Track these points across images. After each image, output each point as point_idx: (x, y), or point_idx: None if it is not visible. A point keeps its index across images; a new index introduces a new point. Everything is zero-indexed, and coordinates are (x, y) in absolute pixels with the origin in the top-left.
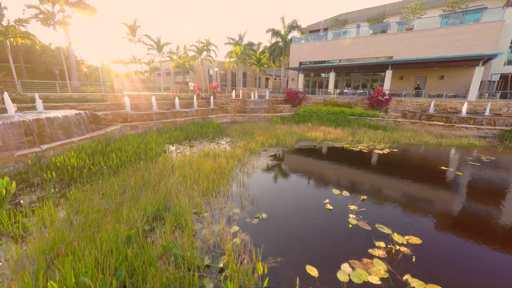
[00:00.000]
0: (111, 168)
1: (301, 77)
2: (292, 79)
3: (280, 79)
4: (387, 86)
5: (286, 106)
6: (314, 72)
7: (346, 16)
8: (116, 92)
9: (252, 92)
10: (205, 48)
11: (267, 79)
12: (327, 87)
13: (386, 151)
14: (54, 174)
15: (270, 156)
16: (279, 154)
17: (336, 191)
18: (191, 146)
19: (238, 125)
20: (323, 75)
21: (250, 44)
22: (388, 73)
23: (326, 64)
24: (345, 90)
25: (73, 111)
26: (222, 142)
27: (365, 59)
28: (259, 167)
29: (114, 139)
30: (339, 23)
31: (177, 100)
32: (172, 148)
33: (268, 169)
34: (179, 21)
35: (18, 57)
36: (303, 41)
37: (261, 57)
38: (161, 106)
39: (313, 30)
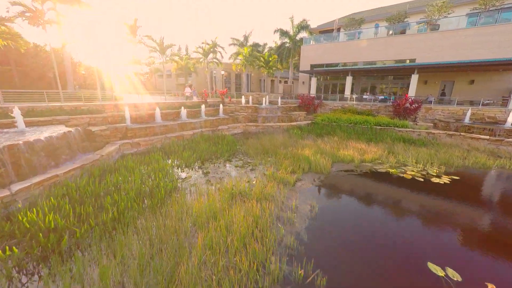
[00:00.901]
0: (105, 225)
1: (313, 81)
2: (303, 82)
3: (287, 81)
4: (412, 91)
5: (300, 113)
6: (328, 76)
7: (361, 15)
8: (116, 100)
9: (264, 98)
10: (211, 50)
11: (272, 81)
12: (341, 91)
13: (446, 179)
14: (16, 250)
15: (308, 190)
16: (318, 187)
17: (434, 268)
18: (206, 173)
19: (254, 140)
20: (336, 78)
21: (256, 45)
22: (414, 78)
23: (343, 67)
24: (364, 96)
25: (62, 129)
26: (240, 164)
27: (385, 61)
28: (303, 214)
29: (111, 166)
30: (355, 22)
31: (183, 111)
32: (183, 174)
33: (316, 216)
34: (177, 20)
35: (9, 60)
36: (312, 42)
37: (270, 59)
38: (166, 116)
39: (324, 31)
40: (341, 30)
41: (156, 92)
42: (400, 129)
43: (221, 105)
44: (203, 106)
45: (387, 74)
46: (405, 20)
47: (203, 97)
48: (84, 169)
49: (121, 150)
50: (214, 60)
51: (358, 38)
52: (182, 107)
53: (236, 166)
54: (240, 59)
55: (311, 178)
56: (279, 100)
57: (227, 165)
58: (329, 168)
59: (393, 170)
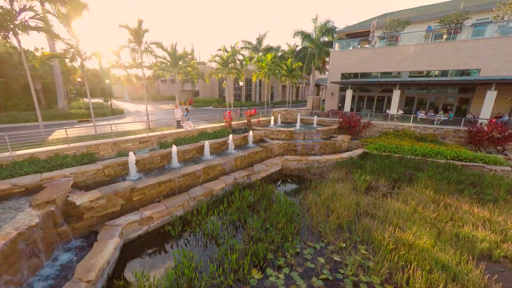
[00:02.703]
0: None
1: (349, 93)
2: (332, 93)
3: (299, 86)
4: (486, 112)
5: (344, 137)
6: (361, 87)
7: (399, 15)
8: (113, 113)
9: (298, 116)
10: (230, 58)
11: (283, 86)
12: (379, 106)
13: None
14: None
15: None
16: None
17: None
18: None
19: (310, 194)
20: (372, 89)
21: (269, 49)
22: (490, 96)
23: (388, 79)
24: (420, 115)
25: (21, 220)
26: (321, 263)
27: (438, 71)
28: None
29: None
30: (398, 24)
31: (206, 145)
32: None
33: None
34: (176, 21)
35: None
36: (337, 47)
37: (294, 67)
38: (184, 154)
39: (353, 34)
40: (373, 32)
41: (160, 99)
42: (491, 167)
43: (250, 132)
44: (230, 137)
45: (445, 88)
46: (464, 21)
47: (227, 121)
48: None
49: (123, 236)
50: (235, 70)
51: (398, 43)
52: (206, 143)
53: (319, 280)
54: (259, 67)
55: None
56: (315, 119)
57: (298, 271)
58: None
59: None
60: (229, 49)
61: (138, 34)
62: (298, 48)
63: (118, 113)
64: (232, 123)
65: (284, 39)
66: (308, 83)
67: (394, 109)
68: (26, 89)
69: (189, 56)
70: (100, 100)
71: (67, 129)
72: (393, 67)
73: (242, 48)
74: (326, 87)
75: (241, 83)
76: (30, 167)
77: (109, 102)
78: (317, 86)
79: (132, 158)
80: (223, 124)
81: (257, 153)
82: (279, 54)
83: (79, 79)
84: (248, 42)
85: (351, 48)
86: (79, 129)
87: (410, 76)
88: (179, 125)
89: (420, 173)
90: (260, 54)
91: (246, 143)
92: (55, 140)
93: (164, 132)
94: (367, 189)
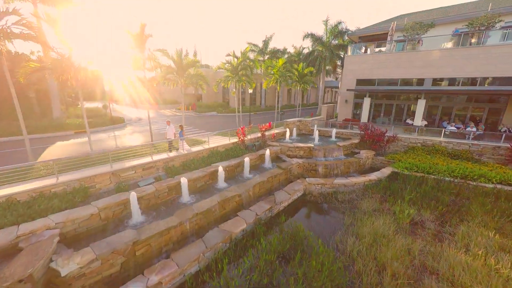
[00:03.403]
0: None
1: (367, 102)
2: (346, 100)
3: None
4: None
5: (368, 153)
6: (383, 95)
7: (417, 17)
8: (114, 122)
9: (315, 128)
10: (240, 64)
11: (289, 90)
12: (398, 115)
13: None
14: None
15: None
16: None
17: None
18: None
19: (357, 241)
20: (391, 97)
21: (275, 52)
22: None
23: (413, 87)
24: (450, 128)
25: None
26: None
27: (463, 77)
28: None
29: None
30: (421, 27)
31: (221, 173)
32: None
33: None
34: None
35: None
36: (351, 51)
37: (305, 72)
38: (194, 183)
39: (366, 37)
40: (391, 36)
41: (162, 102)
42: None
43: (267, 151)
44: (247, 161)
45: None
46: (496, 23)
47: (240, 138)
48: None
49: None
50: (245, 77)
51: (419, 47)
52: (220, 167)
53: None
54: (268, 73)
55: None
56: (333, 133)
57: None
58: None
59: None
60: (233, 52)
61: (140, 39)
62: (304, 50)
63: (118, 122)
64: (246, 139)
65: (283, 39)
66: (313, 86)
67: (418, 119)
68: (21, 96)
69: (197, 64)
70: (100, 105)
71: (62, 142)
72: (415, 73)
73: (248, 50)
74: (338, 93)
75: (250, 91)
76: (4, 216)
77: (108, 109)
78: (332, 88)
79: (134, 199)
80: (235, 140)
81: (276, 177)
82: (285, 56)
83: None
84: (254, 45)
85: (366, 52)
86: (74, 144)
87: (433, 84)
88: (171, 145)
89: (468, 201)
90: (266, 57)
91: (262, 162)
92: (43, 167)
93: (171, 155)
94: (412, 225)
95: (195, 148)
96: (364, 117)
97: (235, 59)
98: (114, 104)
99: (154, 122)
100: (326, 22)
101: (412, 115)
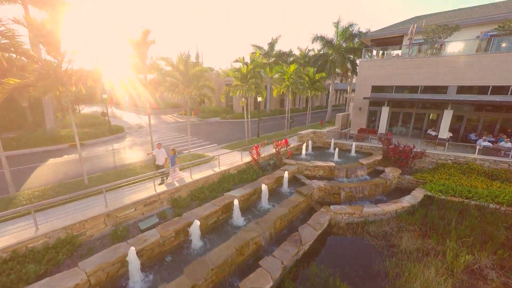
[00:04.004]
0: None
1: (385, 111)
2: (360, 108)
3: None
4: None
5: (394, 172)
6: (400, 103)
7: (434, 18)
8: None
9: (332, 142)
10: (250, 73)
11: (294, 92)
12: (418, 124)
13: None
14: None
15: None
16: None
17: None
18: None
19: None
20: (410, 105)
21: (281, 54)
22: None
23: (437, 97)
24: (483, 143)
25: None
26: None
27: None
28: None
29: None
30: (444, 30)
31: (236, 209)
32: None
33: None
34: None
35: None
36: (364, 54)
37: (317, 78)
38: (206, 221)
39: (380, 40)
40: (410, 39)
41: (163, 106)
42: None
43: (286, 174)
44: (264, 189)
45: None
46: None
47: (253, 158)
48: None
49: None
50: (254, 86)
51: (442, 51)
52: (236, 201)
53: None
54: (276, 81)
55: None
56: (353, 147)
57: None
58: None
59: None
60: (243, 58)
61: (142, 47)
62: (310, 52)
63: (117, 131)
64: (260, 158)
65: (284, 40)
66: (339, 88)
67: (443, 132)
68: (10, 107)
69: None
70: (99, 109)
71: (54, 159)
72: (438, 80)
73: (252, 53)
74: (348, 97)
75: (259, 99)
76: None
77: (107, 116)
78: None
79: (133, 256)
80: (248, 158)
81: (298, 206)
82: (291, 59)
83: (74, 88)
84: (259, 47)
85: (378, 55)
86: (67, 163)
87: (458, 92)
88: (159, 167)
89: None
90: (272, 60)
91: (278, 185)
92: (25, 201)
93: (177, 185)
94: (468, 273)
95: (201, 174)
96: (382, 128)
97: (245, 66)
98: (114, 108)
99: (155, 131)
100: (337, 24)
101: (432, 124)
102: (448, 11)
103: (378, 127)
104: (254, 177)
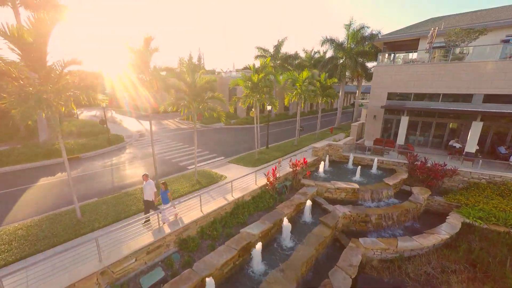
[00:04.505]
0: None
1: (404, 121)
2: (374, 116)
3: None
4: None
5: (423, 193)
6: (417, 111)
7: (449, 21)
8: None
9: (351, 158)
10: (261, 80)
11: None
12: (438, 135)
13: None
14: None
15: None
16: None
17: None
18: None
19: None
20: (431, 115)
21: (287, 57)
22: None
23: (465, 107)
24: None
25: None
26: None
27: None
28: None
29: None
30: (468, 33)
31: (257, 256)
32: None
33: None
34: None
35: None
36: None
37: (328, 83)
38: (221, 271)
39: (394, 43)
40: (430, 44)
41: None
42: None
43: (308, 202)
44: (286, 224)
45: None
46: None
47: (269, 181)
48: None
49: None
50: (264, 95)
51: (465, 57)
52: (257, 251)
53: None
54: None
55: None
56: (375, 163)
57: None
58: None
59: None
60: (253, 65)
61: (144, 55)
62: (315, 55)
63: (116, 141)
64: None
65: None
66: (349, 90)
67: (471, 146)
68: (5, 114)
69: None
70: (98, 114)
71: (47, 179)
72: (462, 87)
73: (257, 56)
74: (356, 102)
75: (269, 108)
76: None
77: (105, 124)
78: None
79: None
80: (262, 180)
81: (324, 241)
82: (297, 61)
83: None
84: (264, 50)
85: (390, 59)
86: (59, 184)
87: (484, 101)
88: (148, 210)
89: None
90: (277, 62)
91: (298, 213)
92: (4, 245)
93: (186, 221)
94: None
95: (212, 206)
96: (401, 139)
97: (256, 74)
98: (113, 112)
99: (157, 140)
100: (348, 26)
101: (454, 134)
102: (465, 13)
103: (392, 136)
104: (270, 203)
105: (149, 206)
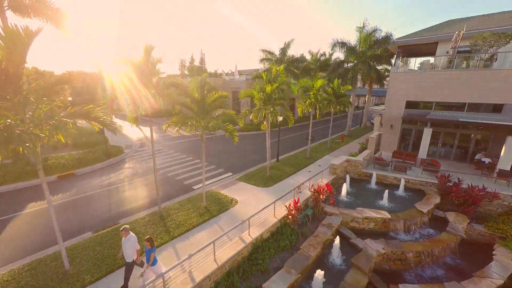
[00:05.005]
0: None
1: (427, 133)
2: (391, 126)
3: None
4: None
5: (461, 222)
6: (440, 121)
7: (470, 23)
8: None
9: (374, 176)
10: (274, 90)
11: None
12: (462, 148)
13: None
14: None
15: None
16: None
17: None
18: None
19: None
20: (455, 126)
21: (294, 60)
22: None
23: (503, 121)
24: None
25: None
26: None
27: None
28: None
29: None
30: (499, 38)
31: None
32: None
33: None
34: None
35: None
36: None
37: (342, 91)
38: None
39: (409, 47)
40: (454, 48)
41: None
42: None
43: (337, 241)
44: (318, 279)
45: None
46: None
47: (290, 213)
48: None
49: None
50: (277, 107)
51: (493, 63)
52: None
53: None
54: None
55: None
56: (402, 184)
57: None
58: None
59: None
60: (265, 74)
61: (145, 68)
62: (321, 57)
63: (115, 153)
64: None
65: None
66: (359, 93)
67: (507, 162)
68: None
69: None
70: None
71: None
72: (491, 97)
73: (262, 59)
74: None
75: (280, 118)
76: None
77: (103, 134)
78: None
79: None
80: (282, 211)
81: None
82: (303, 64)
83: (69, 98)
84: (270, 53)
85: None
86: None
87: None
88: (128, 275)
89: None
90: (284, 65)
91: (323, 250)
92: None
93: (198, 279)
94: None
95: (227, 252)
96: (423, 152)
97: (269, 84)
98: (114, 116)
99: (158, 150)
100: (361, 29)
101: (480, 147)
102: (490, 14)
103: (410, 147)
104: (293, 240)
105: (130, 270)
